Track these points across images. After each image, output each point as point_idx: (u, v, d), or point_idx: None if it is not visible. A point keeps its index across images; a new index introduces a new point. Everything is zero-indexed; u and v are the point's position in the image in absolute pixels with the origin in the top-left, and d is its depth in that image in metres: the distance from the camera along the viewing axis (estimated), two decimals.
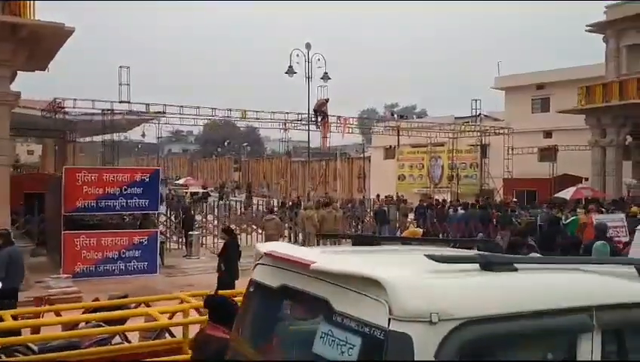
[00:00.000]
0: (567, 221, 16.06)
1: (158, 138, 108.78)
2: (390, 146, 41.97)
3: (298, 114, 25.18)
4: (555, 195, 25.81)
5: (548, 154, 33.97)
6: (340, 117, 26.08)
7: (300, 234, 20.17)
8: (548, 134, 35.37)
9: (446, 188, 36.16)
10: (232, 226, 21.01)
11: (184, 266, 17.34)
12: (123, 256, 15.29)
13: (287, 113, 25.07)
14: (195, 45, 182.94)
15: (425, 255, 2.41)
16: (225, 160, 70.90)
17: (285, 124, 26.61)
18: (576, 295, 2.48)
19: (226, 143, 66.72)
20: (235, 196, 46.16)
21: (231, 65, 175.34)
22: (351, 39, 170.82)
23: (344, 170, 47.73)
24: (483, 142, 35.93)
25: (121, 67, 22.10)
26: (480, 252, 3.03)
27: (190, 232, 19.17)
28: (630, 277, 2.82)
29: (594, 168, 27.07)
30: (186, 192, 40.11)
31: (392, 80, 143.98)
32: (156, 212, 17.09)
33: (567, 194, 25.10)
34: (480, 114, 43.53)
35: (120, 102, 21.85)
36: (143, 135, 48.46)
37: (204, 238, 20.71)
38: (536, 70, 36.78)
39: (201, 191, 40.79)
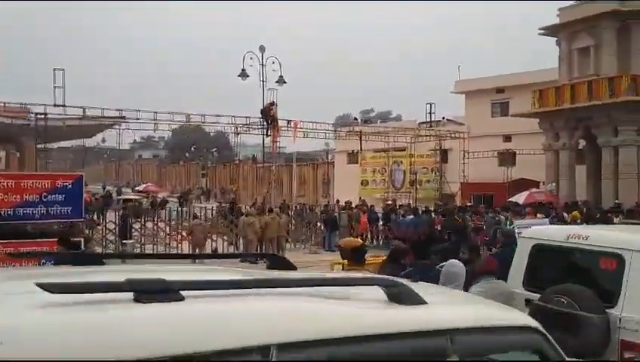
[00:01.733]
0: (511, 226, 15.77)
1: (130, 143, 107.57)
2: (353, 151, 41.59)
3: (246, 117, 24.66)
4: (509, 200, 25.61)
5: (507, 158, 33.91)
6: (290, 121, 25.57)
7: (242, 241, 19.54)
8: (507, 138, 35.25)
9: (407, 193, 35.84)
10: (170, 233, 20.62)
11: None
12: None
13: (233, 117, 24.52)
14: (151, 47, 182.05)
15: (37, 283, 1.83)
16: (192, 165, 69.92)
17: (237, 128, 25.98)
18: (251, 331, 1.92)
19: (192, 148, 65.71)
20: (200, 202, 45.33)
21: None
22: (335, 43, 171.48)
23: (308, 174, 47.24)
24: (442, 147, 35.63)
25: (55, 69, 21.23)
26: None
27: (124, 241, 18.42)
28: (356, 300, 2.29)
29: (548, 172, 26.95)
30: (145, 199, 39.06)
31: (370, 85, 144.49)
32: (81, 220, 16.28)
33: (520, 198, 24.93)
34: (444, 118, 43.55)
35: (55, 105, 21.02)
36: (103, 140, 47.29)
37: (143, 247, 19.98)
38: (497, 74, 36.67)
39: (133, 197, 39.06)
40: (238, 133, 27.95)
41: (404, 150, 37.85)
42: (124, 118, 29.61)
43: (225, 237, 21.55)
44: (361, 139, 37.06)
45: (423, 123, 42.62)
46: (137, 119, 27.66)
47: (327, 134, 36.80)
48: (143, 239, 20.33)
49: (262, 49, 27.54)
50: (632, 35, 24.42)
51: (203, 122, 24.82)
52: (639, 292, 5.04)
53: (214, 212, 24.20)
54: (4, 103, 24.35)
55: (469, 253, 7.22)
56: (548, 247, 5.92)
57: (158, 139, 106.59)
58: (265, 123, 24.03)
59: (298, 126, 25.82)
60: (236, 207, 24.35)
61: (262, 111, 23.39)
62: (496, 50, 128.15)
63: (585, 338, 5.07)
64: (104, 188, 56.12)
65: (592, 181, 26.49)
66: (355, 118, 44.34)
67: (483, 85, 36.50)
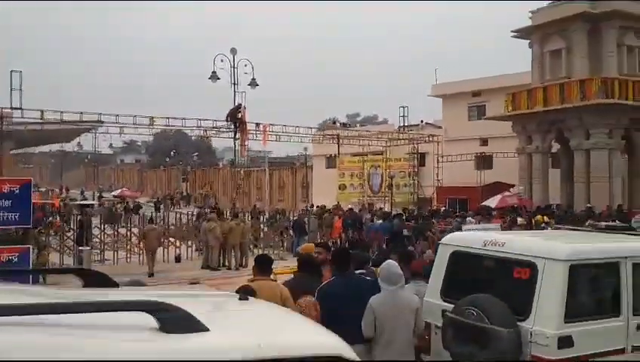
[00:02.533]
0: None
1: (113, 148, 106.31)
2: (331, 155, 41.25)
3: (214, 121, 24.19)
4: (482, 204, 25.34)
5: (483, 161, 33.70)
6: (259, 124, 25.14)
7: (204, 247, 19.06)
8: (484, 142, 35.05)
9: (384, 198, 35.53)
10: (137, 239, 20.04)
11: (68, 284, 16.03)
12: None
13: (199, 119, 24.07)
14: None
15: None
16: (173, 170, 69.26)
17: (206, 132, 25.48)
18: None
19: (172, 153, 65.05)
20: (179, 207, 44.73)
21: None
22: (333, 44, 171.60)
23: (287, 179, 46.81)
24: (418, 151, 35.33)
25: (12, 71, 20.52)
26: None
27: (81, 248, 17.86)
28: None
29: (521, 175, 26.71)
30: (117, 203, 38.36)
31: (358, 90, 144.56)
32: (28, 227, 15.73)
33: (492, 202, 24.66)
34: (422, 121, 43.37)
35: (12, 108, 20.39)
36: (79, 145, 46.57)
37: (103, 253, 19.45)
38: (473, 77, 36.47)
39: (90, 202, 38.09)
40: (207, 137, 27.44)
41: (382, 154, 37.61)
42: (101, 122, 29.07)
43: (189, 243, 21.12)
44: (338, 143, 36.78)
45: (403, 127, 42.43)
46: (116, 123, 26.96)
47: (303, 138, 36.41)
48: (102, 245, 19.78)
49: (233, 51, 27.20)
50: (602, 37, 24.25)
51: (167, 125, 24.29)
52: (552, 305, 4.69)
53: (195, 217, 23.73)
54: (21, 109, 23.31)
55: (399, 260, 6.83)
56: (465, 255, 5.55)
57: (141, 143, 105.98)
58: (234, 126, 23.57)
59: (267, 129, 25.41)
60: (218, 212, 23.96)
61: (228, 114, 22.94)
62: (477, 52, 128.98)
63: (495, 353, 4.70)
64: (82, 193, 55.46)
65: (566, 184, 26.29)
66: (334, 122, 43.92)
67: (460, 88, 36.31)
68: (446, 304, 5.46)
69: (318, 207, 30.06)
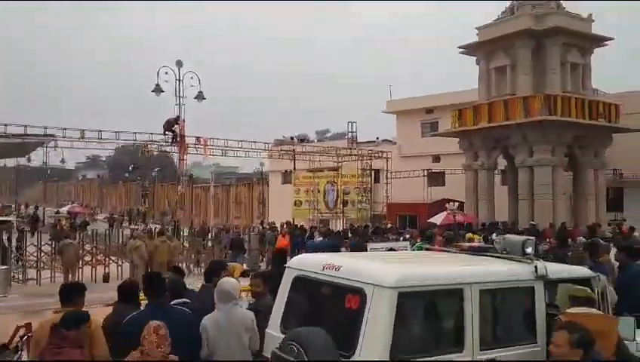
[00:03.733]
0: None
1: (76, 162, 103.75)
2: (287, 171, 40.63)
3: (149, 134, 23.41)
4: (428, 220, 24.98)
5: (436, 178, 33.47)
6: (199, 137, 24.44)
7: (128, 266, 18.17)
8: (436, 158, 34.87)
9: (337, 214, 35.04)
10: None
11: None
12: None
13: (135, 133, 23.23)
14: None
15: None
16: (132, 186, 67.72)
17: (146, 145, 24.66)
18: None
19: (130, 168, 63.59)
20: (136, 224, 43.47)
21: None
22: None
23: (243, 195, 45.97)
24: (371, 167, 34.97)
25: None
26: None
27: None
28: None
29: (467, 192, 26.45)
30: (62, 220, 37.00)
31: (330, 105, 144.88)
32: None
33: (438, 219, 24.32)
34: (377, 138, 43.14)
35: None
36: (29, 160, 45.07)
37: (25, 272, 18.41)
38: (426, 94, 36.39)
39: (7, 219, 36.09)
40: (148, 151, 26.61)
41: (337, 170, 37.16)
42: (52, 135, 28.02)
43: (118, 261, 20.18)
44: (294, 158, 36.21)
45: (361, 143, 42.16)
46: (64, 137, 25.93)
47: (261, 153, 35.80)
48: (22, 263, 18.74)
49: (179, 63, 26.57)
50: (547, 54, 24.21)
51: (100, 139, 23.38)
52: (377, 338, 4.09)
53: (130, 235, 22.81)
54: None
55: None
56: (305, 280, 4.95)
57: (105, 158, 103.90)
58: (169, 137, 22.85)
59: (207, 143, 24.71)
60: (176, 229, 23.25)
61: (165, 124, 22.21)
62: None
63: None
64: (36, 209, 53.67)
65: (513, 201, 26.07)
66: (292, 138, 43.35)
67: (413, 105, 36.19)
68: (283, 336, 4.84)
69: (269, 223, 29.35)
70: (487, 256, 5.33)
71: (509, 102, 24.16)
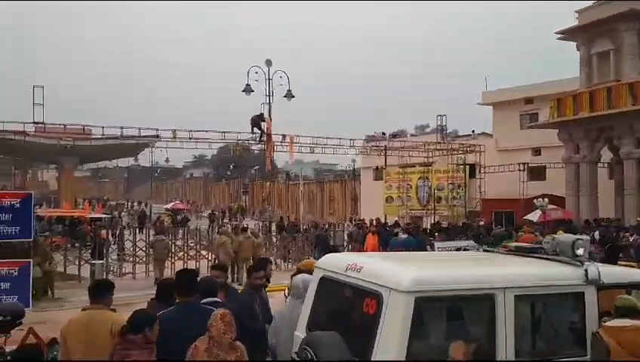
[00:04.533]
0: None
1: (184, 162, 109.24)
2: (378, 167, 40.20)
3: (237, 133, 23.97)
4: (524, 217, 23.67)
5: (536, 172, 31.65)
6: (285, 135, 24.68)
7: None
8: (537, 151, 32.97)
9: (427, 210, 34.16)
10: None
11: (73, 299, 16.07)
12: None
13: (223, 133, 23.82)
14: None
15: None
16: (234, 183, 70.33)
17: (237, 144, 25.33)
18: None
19: (231, 166, 65.97)
20: (236, 220, 45.01)
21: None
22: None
23: (337, 192, 46.12)
24: (465, 162, 33.70)
25: (35, 86, 21.13)
26: None
27: (94, 261, 17.92)
28: None
29: (568, 187, 24.77)
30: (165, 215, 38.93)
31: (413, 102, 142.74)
32: (29, 240, 15.93)
33: (534, 216, 22.98)
34: (473, 131, 41.56)
35: (34, 123, 20.95)
36: (136, 160, 47.95)
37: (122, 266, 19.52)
38: (524, 83, 34.51)
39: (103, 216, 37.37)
40: (237, 150, 27.30)
41: (430, 165, 36.17)
42: (158, 137, 29.64)
43: (208, 255, 20.80)
44: (385, 154, 35.71)
45: (459, 136, 40.87)
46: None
47: (350, 150, 35.68)
48: (121, 257, 19.87)
49: (268, 63, 27.08)
50: None
51: (190, 138, 24.28)
52: (393, 346, 3.78)
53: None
54: (44, 124, 24.04)
55: None
56: (330, 281, 4.71)
57: (210, 157, 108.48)
58: (258, 133, 23.28)
59: (293, 141, 24.90)
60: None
61: (252, 120, 22.65)
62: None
63: None
64: (145, 206, 57.10)
65: (620, 196, 24.11)
66: (383, 133, 42.88)
67: (511, 96, 34.48)
68: None
69: (357, 220, 29.18)
70: (533, 257, 4.80)
71: (614, 89, 22.33)
